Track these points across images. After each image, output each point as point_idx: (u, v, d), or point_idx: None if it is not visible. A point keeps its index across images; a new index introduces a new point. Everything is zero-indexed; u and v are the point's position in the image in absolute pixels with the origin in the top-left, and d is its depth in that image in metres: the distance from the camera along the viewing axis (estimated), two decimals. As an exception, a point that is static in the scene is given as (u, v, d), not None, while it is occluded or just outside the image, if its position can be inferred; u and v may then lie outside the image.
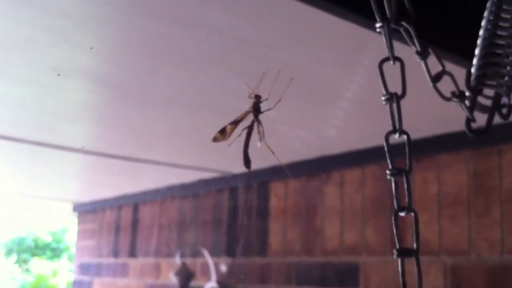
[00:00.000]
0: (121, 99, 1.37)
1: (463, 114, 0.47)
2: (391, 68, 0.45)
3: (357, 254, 1.75)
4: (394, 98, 0.44)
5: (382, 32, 0.44)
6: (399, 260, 0.42)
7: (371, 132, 1.57)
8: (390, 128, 0.46)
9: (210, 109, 1.40)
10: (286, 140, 1.61)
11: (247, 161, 0.66)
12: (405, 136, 0.45)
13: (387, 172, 0.44)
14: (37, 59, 1.10)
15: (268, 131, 0.70)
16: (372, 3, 0.42)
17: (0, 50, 1.06)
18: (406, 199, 0.43)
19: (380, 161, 1.71)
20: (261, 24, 0.92)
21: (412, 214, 0.44)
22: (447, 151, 1.56)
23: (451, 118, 1.40)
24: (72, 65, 1.13)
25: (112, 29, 0.97)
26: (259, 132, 0.67)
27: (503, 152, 1.45)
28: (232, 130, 0.70)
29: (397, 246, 0.43)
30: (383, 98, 0.45)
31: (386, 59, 0.45)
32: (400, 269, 0.42)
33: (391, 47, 0.44)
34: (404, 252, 0.42)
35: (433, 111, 1.34)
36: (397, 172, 0.43)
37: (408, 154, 0.44)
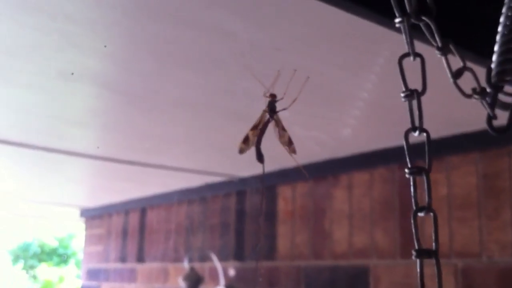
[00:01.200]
0: (128, 103, 1.37)
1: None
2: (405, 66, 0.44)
3: (367, 257, 1.74)
4: (414, 95, 0.43)
5: (402, 27, 0.43)
6: (418, 261, 0.42)
7: (379, 134, 1.56)
8: (404, 127, 0.46)
9: (218, 113, 1.39)
10: (299, 141, 1.60)
11: (259, 156, 0.66)
12: (424, 134, 0.44)
13: (406, 171, 0.43)
14: (44, 64, 1.10)
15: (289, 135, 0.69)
16: None
17: (7, 55, 1.06)
18: (426, 199, 0.42)
19: (389, 163, 1.70)
20: (271, 26, 0.91)
21: (431, 214, 0.43)
22: (456, 153, 1.55)
23: (460, 119, 1.39)
24: (79, 70, 1.13)
25: (120, 33, 0.97)
26: (278, 130, 0.67)
27: (513, 153, 1.44)
28: (254, 136, 0.69)
29: (416, 247, 0.42)
30: (402, 94, 0.44)
31: (406, 55, 0.44)
32: (418, 270, 0.42)
33: (411, 43, 0.43)
34: (423, 253, 0.41)
35: (442, 112, 1.33)
36: (417, 171, 0.43)
37: (428, 153, 0.43)
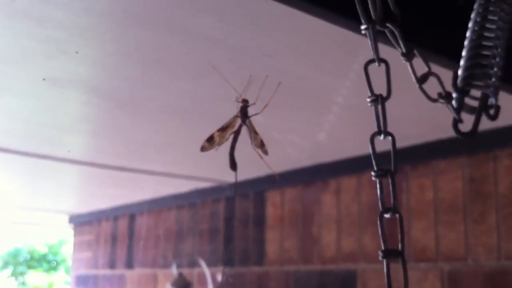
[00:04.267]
0: (116, 109, 1.37)
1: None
2: (382, 71, 0.46)
3: (355, 262, 1.75)
4: (379, 100, 0.45)
5: (367, 34, 0.44)
6: (385, 262, 0.43)
7: (366, 138, 1.57)
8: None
9: (206, 119, 1.40)
10: (280, 147, 1.61)
11: (233, 164, 0.67)
12: (390, 138, 0.46)
13: (372, 173, 0.45)
14: (32, 70, 1.11)
15: (262, 138, 0.70)
16: (357, 5, 0.43)
17: (-3, 62, 1.07)
18: (392, 201, 0.44)
19: (376, 168, 1.71)
20: (257, 32, 0.93)
21: (397, 216, 0.44)
22: (443, 157, 1.56)
23: (447, 124, 1.40)
24: (68, 76, 1.14)
25: (108, 40, 0.97)
26: (255, 133, 0.68)
27: (499, 158, 1.45)
28: (220, 137, 0.70)
29: (383, 248, 0.43)
30: (368, 99, 0.45)
31: (371, 61, 0.46)
32: (385, 271, 0.43)
33: (376, 49, 0.45)
34: (390, 254, 0.43)
35: (429, 117, 1.35)
36: (383, 173, 0.44)
37: (393, 156, 0.44)
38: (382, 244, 0.42)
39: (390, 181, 0.43)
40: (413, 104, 1.22)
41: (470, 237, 1.47)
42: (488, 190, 1.46)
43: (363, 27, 0.44)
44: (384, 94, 0.45)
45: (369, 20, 0.43)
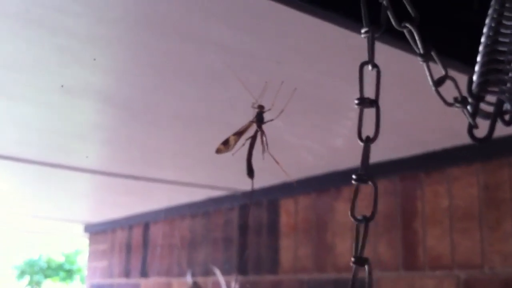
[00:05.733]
0: (130, 117, 1.38)
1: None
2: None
3: (369, 270, 1.73)
4: (366, 103, 0.45)
5: (367, 38, 0.44)
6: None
7: (382, 145, 1.56)
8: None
9: (219, 126, 1.40)
10: (296, 153, 1.60)
11: (250, 171, 0.67)
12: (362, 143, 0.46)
13: (354, 176, 0.45)
14: (46, 79, 1.11)
15: (277, 144, 0.70)
16: (362, 8, 0.42)
17: (10, 70, 1.07)
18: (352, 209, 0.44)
19: (391, 175, 1.70)
20: (268, 39, 0.93)
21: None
22: (457, 164, 1.55)
23: (461, 131, 1.39)
24: (81, 85, 1.14)
25: (120, 48, 0.98)
26: (262, 142, 0.68)
27: (514, 164, 1.44)
28: (235, 141, 0.71)
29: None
30: (356, 101, 0.45)
31: (366, 63, 0.45)
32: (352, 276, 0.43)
33: (372, 52, 0.44)
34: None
35: (443, 123, 1.34)
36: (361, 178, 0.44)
37: (365, 161, 0.45)
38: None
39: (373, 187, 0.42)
40: (427, 111, 1.21)
41: (485, 245, 1.46)
42: (503, 196, 1.45)
43: (363, 30, 0.44)
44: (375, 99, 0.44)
45: (370, 23, 0.43)
